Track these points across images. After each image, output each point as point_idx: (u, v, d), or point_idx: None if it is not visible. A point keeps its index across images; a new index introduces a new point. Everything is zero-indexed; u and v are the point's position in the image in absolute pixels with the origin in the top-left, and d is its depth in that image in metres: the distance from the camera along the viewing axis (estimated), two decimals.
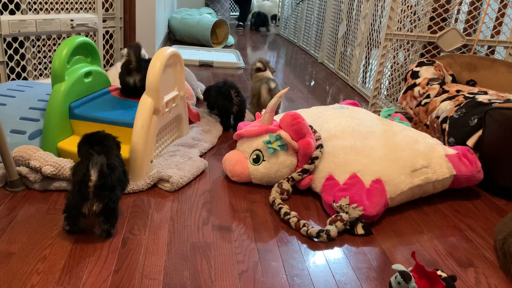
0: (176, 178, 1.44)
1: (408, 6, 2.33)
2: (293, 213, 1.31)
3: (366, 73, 2.94)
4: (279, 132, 1.46)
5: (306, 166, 1.46)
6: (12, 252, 1.09)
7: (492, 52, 2.57)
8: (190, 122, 1.91)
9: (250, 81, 2.98)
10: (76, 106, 1.53)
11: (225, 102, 1.95)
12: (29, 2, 2.09)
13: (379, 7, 2.76)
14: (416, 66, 2.17)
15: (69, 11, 2.29)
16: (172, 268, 1.08)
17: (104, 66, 2.60)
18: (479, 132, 1.61)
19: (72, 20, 2.26)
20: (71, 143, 1.50)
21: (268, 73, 2.21)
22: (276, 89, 2.02)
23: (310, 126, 1.53)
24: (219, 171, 1.62)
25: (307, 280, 1.08)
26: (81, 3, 2.33)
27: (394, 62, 2.52)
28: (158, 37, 3.43)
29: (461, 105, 1.77)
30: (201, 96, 2.27)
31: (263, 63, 2.23)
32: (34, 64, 2.19)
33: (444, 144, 1.72)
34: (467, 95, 1.87)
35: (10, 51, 2.03)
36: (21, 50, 2.09)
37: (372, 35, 2.80)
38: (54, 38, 2.24)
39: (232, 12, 6.89)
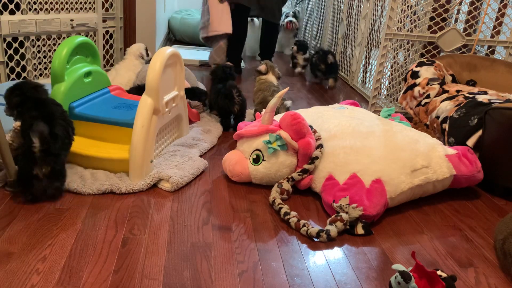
0: (176, 178, 1.44)
1: (408, 6, 2.32)
2: (293, 213, 1.31)
3: (366, 73, 2.94)
4: (279, 132, 1.46)
5: (306, 166, 1.46)
6: (12, 252, 1.09)
7: (492, 52, 2.57)
8: (190, 122, 1.91)
9: (247, 81, 2.99)
10: (76, 106, 1.53)
11: (226, 102, 1.95)
12: (29, 2, 2.09)
13: (379, 7, 2.76)
14: (416, 66, 2.17)
15: (69, 11, 2.29)
16: (172, 268, 1.08)
17: (104, 66, 2.60)
18: (479, 132, 1.61)
19: (72, 20, 2.26)
20: None
21: (271, 77, 2.21)
22: (289, 107, 2.05)
23: (310, 126, 1.53)
24: (219, 171, 1.62)
25: (307, 280, 1.08)
26: (81, 3, 2.33)
27: (394, 62, 2.52)
28: (158, 37, 3.43)
29: (461, 105, 1.77)
30: None
31: (267, 66, 2.23)
32: (34, 64, 2.19)
33: (444, 144, 1.72)
34: (467, 95, 1.87)
35: (10, 51, 2.03)
36: (21, 50, 2.09)
37: (372, 35, 2.80)
38: (54, 38, 2.24)
39: None
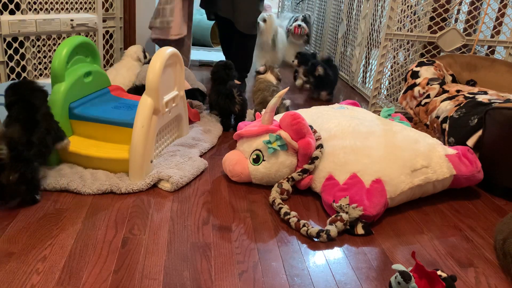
0: (176, 178, 1.44)
1: (408, 6, 2.32)
2: (293, 213, 1.31)
3: (366, 73, 2.94)
4: (279, 132, 1.46)
5: (306, 166, 1.46)
6: (12, 252, 1.09)
7: (492, 52, 2.57)
8: (190, 121, 1.91)
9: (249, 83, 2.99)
10: (75, 106, 1.53)
11: (227, 102, 1.95)
12: (29, 2, 2.09)
13: (379, 7, 2.76)
14: (416, 66, 2.17)
15: (69, 11, 2.29)
16: (172, 268, 1.08)
17: (104, 66, 2.60)
18: (479, 132, 1.61)
19: (72, 20, 2.26)
20: (71, 143, 1.50)
21: (269, 76, 2.21)
22: (288, 106, 2.05)
23: (310, 126, 1.53)
24: (219, 171, 1.62)
25: (307, 280, 1.08)
26: (81, 3, 2.33)
27: (394, 62, 2.52)
28: None
29: (461, 105, 1.77)
30: None
31: (266, 67, 2.24)
32: (34, 64, 2.19)
33: (444, 144, 1.72)
34: (467, 95, 1.87)
35: (10, 51, 2.03)
36: (21, 50, 2.09)
37: (372, 35, 2.80)
38: (54, 38, 2.24)
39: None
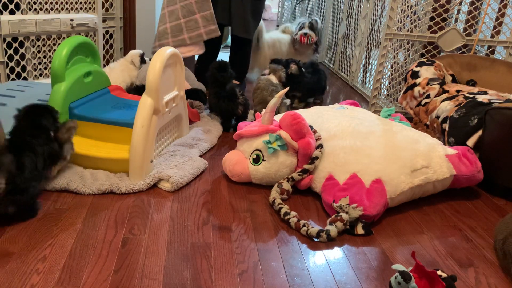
0: (176, 178, 1.44)
1: (408, 6, 2.33)
2: (293, 213, 1.31)
3: (366, 73, 2.94)
4: (279, 132, 1.46)
5: (306, 166, 1.46)
6: (12, 252, 1.09)
7: (492, 52, 2.57)
8: (190, 121, 1.91)
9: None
10: (75, 106, 1.53)
11: (230, 104, 1.94)
12: (29, 2, 2.09)
13: (379, 7, 2.76)
14: (416, 66, 2.17)
15: (69, 11, 2.29)
16: (172, 268, 1.08)
17: (104, 66, 2.60)
18: (479, 132, 1.61)
19: (72, 20, 2.26)
20: None
21: (271, 77, 2.21)
22: (289, 105, 2.06)
23: (310, 126, 1.53)
24: (219, 171, 1.62)
25: (307, 280, 1.08)
26: (81, 3, 2.33)
27: (394, 62, 2.52)
28: None
29: (461, 105, 1.77)
30: None
31: (270, 70, 2.23)
32: (34, 64, 2.19)
33: (444, 144, 1.72)
34: (467, 95, 1.87)
35: (10, 51, 2.03)
36: (21, 50, 2.09)
37: (372, 35, 2.80)
38: (54, 38, 2.24)
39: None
